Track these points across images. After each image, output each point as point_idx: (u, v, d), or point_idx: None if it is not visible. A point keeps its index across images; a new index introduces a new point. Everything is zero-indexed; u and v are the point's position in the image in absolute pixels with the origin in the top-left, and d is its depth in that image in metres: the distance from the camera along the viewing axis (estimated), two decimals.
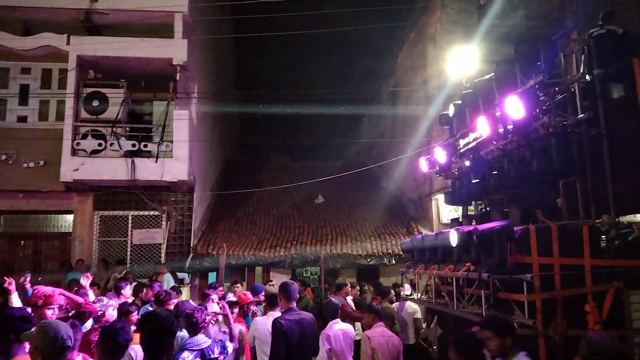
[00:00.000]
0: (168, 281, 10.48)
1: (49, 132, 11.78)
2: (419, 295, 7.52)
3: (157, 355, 2.97)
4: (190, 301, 6.53)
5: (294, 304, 5.17)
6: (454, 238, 5.35)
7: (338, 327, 5.56)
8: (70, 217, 12.48)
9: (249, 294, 7.15)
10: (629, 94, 4.84)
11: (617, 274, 4.68)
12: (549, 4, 12.05)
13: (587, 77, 5.09)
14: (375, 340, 5.35)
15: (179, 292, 8.02)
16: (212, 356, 4.53)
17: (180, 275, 11.61)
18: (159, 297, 6.05)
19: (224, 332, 5.60)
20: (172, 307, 5.83)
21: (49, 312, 4.39)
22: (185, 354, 4.38)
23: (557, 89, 5.22)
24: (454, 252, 5.66)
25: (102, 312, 5.28)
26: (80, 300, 4.94)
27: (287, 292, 5.10)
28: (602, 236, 4.97)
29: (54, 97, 12.21)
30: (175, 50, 11.85)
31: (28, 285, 6.45)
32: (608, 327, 4.48)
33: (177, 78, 11.92)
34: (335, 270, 12.53)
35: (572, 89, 5.12)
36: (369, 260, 12.18)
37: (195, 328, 4.58)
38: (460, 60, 11.07)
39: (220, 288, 7.72)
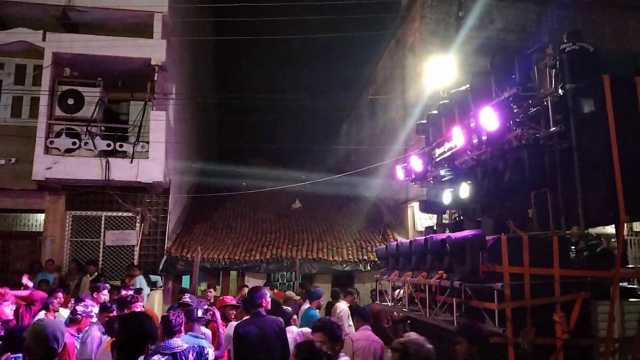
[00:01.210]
0: (141, 283, 10.33)
1: (22, 129, 11.56)
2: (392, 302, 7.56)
3: (138, 354, 2.97)
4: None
5: (261, 309, 5.23)
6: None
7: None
8: (41, 217, 12.23)
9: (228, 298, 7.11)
10: (599, 109, 4.95)
11: (585, 284, 4.78)
12: (525, 18, 12.34)
13: (560, 91, 5.21)
14: (359, 344, 5.37)
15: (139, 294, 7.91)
16: None
17: (153, 277, 11.46)
18: (124, 300, 5.98)
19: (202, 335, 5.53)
20: (137, 309, 5.79)
21: (6, 310, 4.45)
22: (157, 357, 4.31)
23: (530, 101, 5.33)
24: (427, 259, 5.72)
25: (81, 317, 5.25)
26: (25, 292, 4.98)
27: (253, 298, 5.23)
28: (572, 247, 5.08)
29: (28, 94, 11.98)
30: (154, 50, 11.74)
31: None
32: (575, 336, 4.58)
33: (155, 78, 11.79)
34: (310, 276, 12.52)
35: (545, 103, 5.23)
36: (344, 266, 12.21)
37: (170, 331, 4.52)
38: (438, 70, 11.23)
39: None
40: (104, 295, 7.05)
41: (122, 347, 3.12)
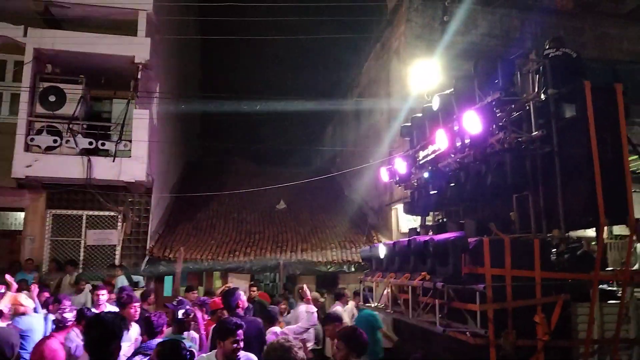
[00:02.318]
0: (122, 283, 10.22)
1: (2, 126, 11.38)
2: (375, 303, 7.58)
3: (102, 354, 2.89)
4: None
5: (240, 310, 5.35)
6: (382, 251, 5.47)
7: None
8: (21, 215, 12.03)
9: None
10: (580, 114, 5.03)
11: (565, 286, 4.85)
12: (509, 24, 12.49)
13: (542, 96, 5.29)
14: None
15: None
16: None
17: (135, 278, 11.34)
18: (119, 301, 5.93)
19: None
20: (132, 310, 5.75)
21: None
22: (138, 357, 4.30)
23: (513, 106, 5.39)
24: (410, 261, 5.75)
25: (71, 324, 5.17)
26: None
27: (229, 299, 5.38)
28: (553, 250, 5.15)
29: (8, 90, 11.79)
30: (137, 48, 11.63)
31: None
32: (556, 338, 4.65)
33: (139, 77, 11.68)
34: (294, 277, 12.51)
35: (528, 107, 5.30)
36: (328, 267, 12.22)
37: (151, 331, 4.51)
38: (423, 73, 11.31)
39: (195, 292, 7.61)
40: (103, 296, 6.87)
41: (89, 347, 3.08)
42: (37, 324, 5.59)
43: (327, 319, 5.81)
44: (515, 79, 5.68)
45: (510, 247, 4.82)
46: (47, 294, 8.06)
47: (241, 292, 5.66)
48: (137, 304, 5.97)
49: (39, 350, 4.80)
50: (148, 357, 4.29)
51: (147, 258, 11.89)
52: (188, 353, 3.34)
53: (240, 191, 14.65)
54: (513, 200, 5.61)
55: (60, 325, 5.21)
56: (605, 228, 5.07)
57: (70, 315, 5.23)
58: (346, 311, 8.50)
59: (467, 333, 4.63)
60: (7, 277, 6.52)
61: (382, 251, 5.89)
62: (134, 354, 4.37)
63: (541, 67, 5.40)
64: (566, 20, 12.55)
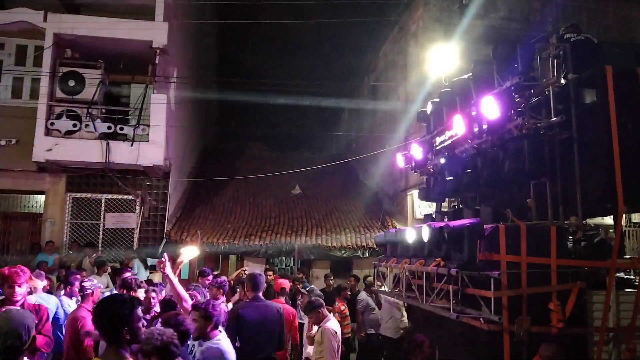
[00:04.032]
0: (138, 267, 10.40)
1: (23, 110, 11.51)
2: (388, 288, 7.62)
3: (113, 339, 2.86)
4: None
5: (260, 293, 5.28)
6: (425, 234, 5.44)
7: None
8: (41, 198, 12.25)
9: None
10: (600, 100, 4.95)
11: (581, 274, 4.82)
12: (529, 7, 12.25)
13: (562, 81, 5.20)
14: (339, 335, 5.42)
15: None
16: None
17: (152, 261, 11.51)
18: (129, 283, 5.99)
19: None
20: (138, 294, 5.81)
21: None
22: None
23: (532, 91, 5.32)
24: (425, 247, 5.75)
25: (91, 292, 5.27)
26: None
27: (254, 282, 5.25)
28: (569, 237, 5.11)
29: (29, 75, 11.93)
30: (155, 32, 11.65)
31: None
32: (570, 325, 4.63)
33: (157, 61, 11.72)
34: (309, 261, 12.60)
35: (547, 92, 5.22)
36: (343, 252, 12.26)
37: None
38: (440, 58, 11.17)
39: (210, 276, 7.69)
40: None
41: (99, 329, 2.97)
42: (47, 302, 5.68)
43: (310, 306, 5.70)
44: (535, 64, 5.61)
45: (527, 234, 4.80)
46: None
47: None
48: (143, 290, 5.91)
49: (70, 321, 4.99)
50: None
51: (164, 241, 12.05)
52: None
53: (257, 176, 14.72)
54: (530, 186, 5.56)
55: (83, 294, 5.35)
56: (624, 215, 5.00)
57: (89, 284, 5.35)
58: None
59: (481, 319, 4.63)
60: None
61: (425, 235, 5.62)
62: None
63: (561, 52, 5.31)
64: (588, 2, 12.26)
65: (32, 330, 2.97)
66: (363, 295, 8.78)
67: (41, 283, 5.96)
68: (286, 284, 7.43)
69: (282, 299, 6.83)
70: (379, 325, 8.52)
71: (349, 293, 8.77)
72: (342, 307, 8.18)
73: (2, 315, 3.04)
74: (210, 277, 7.73)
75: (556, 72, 5.31)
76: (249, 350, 4.85)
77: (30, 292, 5.61)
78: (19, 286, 4.37)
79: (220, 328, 4.20)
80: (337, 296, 8.34)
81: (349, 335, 8.39)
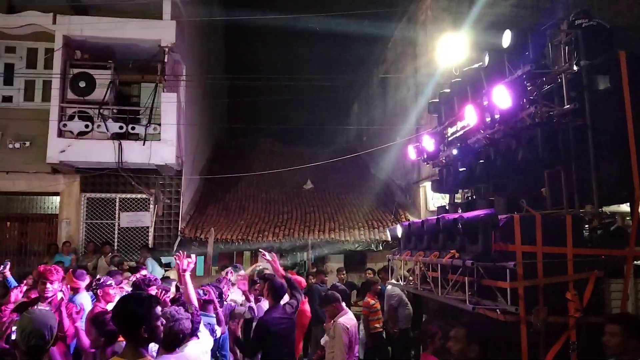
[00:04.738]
0: (152, 265, 10.50)
1: (35, 113, 11.65)
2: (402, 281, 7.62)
3: (131, 337, 2.86)
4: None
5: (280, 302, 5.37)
6: (439, 226, 5.44)
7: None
8: (56, 199, 12.40)
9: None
10: (614, 86, 4.88)
11: (598, 262, 4.77)
12: None
13: (574, 68, 5.13)
14: (352, 330, 5.42)
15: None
16: None
17: (166, 259, 11.61)
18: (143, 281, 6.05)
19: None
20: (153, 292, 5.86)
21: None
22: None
23: (544, 79, 5.25)
24: (439, 239, 5.73)
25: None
26: None
27: (275, 290, 5.32)
28: (585, 226, 5.05)
29: (40, 77, 12.05)
30: (163, 31, 11.70)
31: (8, 274, 6.37)
32: (588, 315, 4.59)
33: (166, 60, 11.78)
34: (322, 256, 12.61)
35: (559, 80, 5.15)
36: (356, 246, 12.27)
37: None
38: (450, 48, 11.07)
39: (242, 271, 7.79)
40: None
41: (118, 327, 3.04)
42: (87, 301, 5.79)
43: (326, 300, 5.72)
44: (547, 51, 5.53)
45: (542, 224, 4.75)
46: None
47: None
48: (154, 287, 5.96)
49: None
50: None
51: (179, 239, 12.15)
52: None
53: (267, 172, 14.75)
54: (544, 175, 5.50)
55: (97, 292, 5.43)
56: None
57: (103, 279, 5.42)
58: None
59: (497, 310, 4.61)
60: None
61: (424, 228, 5.63)
62: None
63: (573, 38, 5.23)
64: None
65: (55, 330, 3.04)
66: (397, 290, 8.59)
67: (83, 283, 6.06)
68: (302, 282, 7.50)
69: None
70: (411, 320, 8.55)
71: (379, 287, 8.77)
72: (372, 302, 8.23)
73: (25, 316, 3.12)
74: (243, 272, 7.83)
75: (568, 59, 5.23)
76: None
77: (75, 291, 5.73)
78: (51, 283, 4.78)
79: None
80: (368, 290, 8.38)
81: (380, 329, 8.37)
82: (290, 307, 5.38)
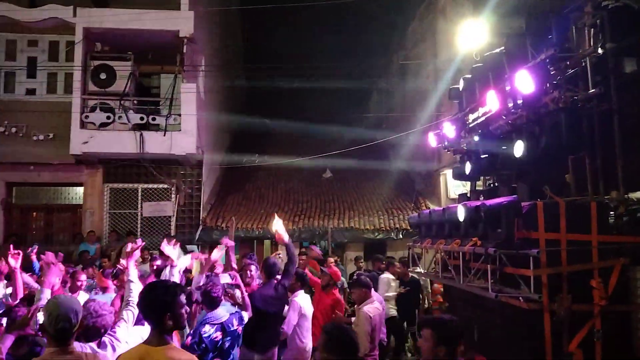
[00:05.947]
0: (179, 254, 10.60)
1: (58, 105, 11.83)
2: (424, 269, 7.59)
3: (156, 325, 2.91)
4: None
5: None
6: (461, 213, 5.37)
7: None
8: (80, 190, 12.62)
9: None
10: None
11: (624, 250, 4.68)
12: None
13: (600, 51, 5.00)
14: (376, 319, 5.39)
15: None
16: (232, 328, 4.69)
17: (190, 247, 11.74)
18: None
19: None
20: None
21: None
22: (207, 327, 4.53)
23: (568, 63, 5.13)
24: (461, 226, 5.67)
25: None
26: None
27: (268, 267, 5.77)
28: (611, 212, 4.95)
29: (62, 70, 12.21)
30: (182, 22, 11.74)
31: (34, 257, 6.50)
32: (613, 303, 4.52)
33: (184, 50, 11.84)
34: (342, 244, 12.63)
35: (584, 63, 5.03)
36: (376, 234, 12.26)
37: (213, 303, 4.70)
38: (470, 33, 10.87)
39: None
40: None
41: (143, 315, 3.12)
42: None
43: (357, 283, 5.67)
44: (570, 34, 5.39)
45: (566, 211, 4.67)
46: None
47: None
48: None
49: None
50: (216, 326, 4.54)
51: (200, 228, 12.28)
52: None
53: (286, 161, 14.76)
54: (568, 161, 5.40)
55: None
56: None
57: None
58: None
59: (520, 298, 4.56)
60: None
61: (461, 215, 5.53)
62: (201, 324, 4.60)
63: (598, 20, 5.09)
64: None
65: (80, 315, 3.10)
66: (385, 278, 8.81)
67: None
68: (337, 272, 7.63)
69: None
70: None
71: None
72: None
73: (51, 301, 3.20)
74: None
75: (593, 42, 5.10)
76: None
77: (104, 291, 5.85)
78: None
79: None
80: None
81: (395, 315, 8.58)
82: (282, 288, 5.54)
